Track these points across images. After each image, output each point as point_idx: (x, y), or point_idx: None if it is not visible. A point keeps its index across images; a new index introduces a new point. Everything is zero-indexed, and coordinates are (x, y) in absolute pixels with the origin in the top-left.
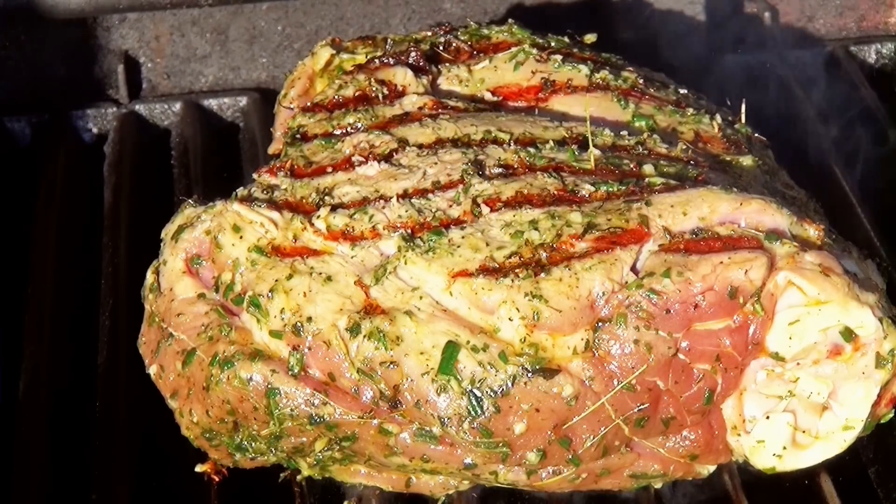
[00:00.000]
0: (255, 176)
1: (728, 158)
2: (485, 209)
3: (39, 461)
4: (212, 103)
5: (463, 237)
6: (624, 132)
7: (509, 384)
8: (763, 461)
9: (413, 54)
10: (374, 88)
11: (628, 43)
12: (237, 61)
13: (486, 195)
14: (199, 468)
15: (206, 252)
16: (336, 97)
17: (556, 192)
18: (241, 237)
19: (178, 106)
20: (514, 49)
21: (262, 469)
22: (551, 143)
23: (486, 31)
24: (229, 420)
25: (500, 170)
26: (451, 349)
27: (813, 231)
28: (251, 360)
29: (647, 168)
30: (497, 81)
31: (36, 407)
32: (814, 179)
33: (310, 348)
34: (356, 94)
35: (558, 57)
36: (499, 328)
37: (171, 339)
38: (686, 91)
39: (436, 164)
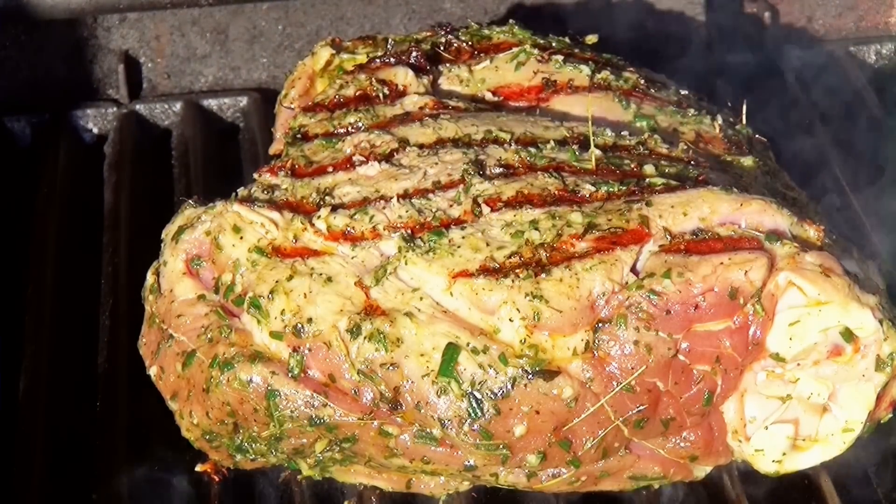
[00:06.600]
0: (255, 176)
1: (729, 159)
2: (485, 209)
3: (39, 461)
4: (212, 103)
5: (463, 237)
6: (625, 132)
7: (509, 386)
8: (763, 467)
9: (414, 54)
10: (374, 88)
11: (629, 43)
12: (237, 61)
13: (486, 195)
14: (199, 468)
15: (206, 253)
16: (337, 97)
17: (556, 192)
18: (241, 238)
19: (178, 106)
20: (515, 49)
21: (262, 469)
22: (552, 142)
23: (486, 32)
24: (229, 422)
25: (501, 169)
26: (451, 351)
27: (813, 231)
28: (251, 362)
29: (648, 168)
30: (498, 81)
31: (36, 407)
32: (814, 180)
33: (310, 349)
34: (357, 93)
35: (559, 57)
36: (499, 329)
37: (171, 340)
38: (687, 92)
39: (436, 163)
